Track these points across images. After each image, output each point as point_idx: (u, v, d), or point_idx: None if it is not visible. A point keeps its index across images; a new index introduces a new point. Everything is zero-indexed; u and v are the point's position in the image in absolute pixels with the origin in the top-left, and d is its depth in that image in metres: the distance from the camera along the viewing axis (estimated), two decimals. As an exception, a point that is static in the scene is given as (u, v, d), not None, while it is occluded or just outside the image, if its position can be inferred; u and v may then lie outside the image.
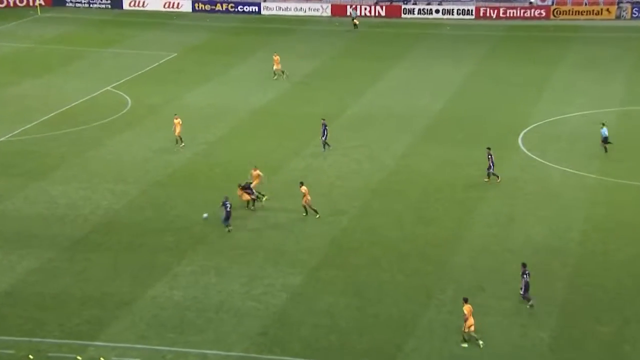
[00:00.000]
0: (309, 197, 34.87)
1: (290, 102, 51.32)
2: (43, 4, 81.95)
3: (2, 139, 43.61)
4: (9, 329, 27.01)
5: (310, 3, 78.83)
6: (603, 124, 41.51)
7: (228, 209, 33.42)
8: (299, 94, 53.28)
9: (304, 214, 34.99)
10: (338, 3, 79.41)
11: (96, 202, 35.96)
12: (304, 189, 35.13)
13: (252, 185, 35.80)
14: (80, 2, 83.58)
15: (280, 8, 79.15)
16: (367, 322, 27.74)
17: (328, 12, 77.52)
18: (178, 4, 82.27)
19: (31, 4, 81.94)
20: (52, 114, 47.71)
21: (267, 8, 79.80)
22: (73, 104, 49.34)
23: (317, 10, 77.61)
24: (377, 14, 77.17)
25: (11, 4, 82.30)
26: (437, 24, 71.02)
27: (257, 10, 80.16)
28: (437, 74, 56.30)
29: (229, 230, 33.34)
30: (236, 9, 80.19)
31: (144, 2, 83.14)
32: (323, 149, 42.15)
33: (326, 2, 79.33)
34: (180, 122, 42.90)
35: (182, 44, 67.26)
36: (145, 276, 30.13)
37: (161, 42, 67.96)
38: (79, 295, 28.95)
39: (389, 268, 31.00)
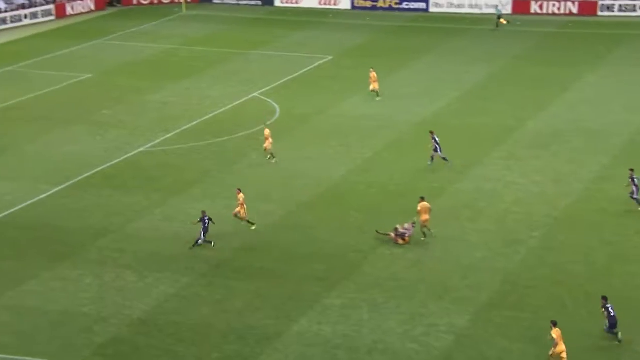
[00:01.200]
0: (426, 217, 34.42)
1: (460, 113, 50.72)
2: (189, 1, 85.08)
3: (141, 150, 45.41)
4: (142, 361, 27.86)
5: (487, -1, 77.79)
6: None
7: (206, 225, 33.97)
8: (470, 104, 52.57)
9: (423, 238, 34.68)
10: (520, -1, 77.95)
11: (238, 222, 36.70)
12: (423, 205, 34.64)
13: (236, 211, 35.47)
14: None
15: (451, 5, 78.59)
16: (547, 375, 26.82)
17: (508, 10, 76.27)
18: (335, 0, 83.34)
19: (176, 0, 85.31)
20: (195, 123, 49.25)
21: (436, 5, 79.43)
22: (217, 112, 50.78)
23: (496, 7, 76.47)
24: (567, 12, 75.24)
25: (155, 1, 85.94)
26: None
27: (424, 7, 79.95)
28: None
29: (212, 245, 34.01)
30: (400, 6, 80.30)
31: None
32: (430, 163, 41.86)
33: (506, -2, 78.07)
34: (270, 135, 43.20)
35: (339, 45, 67.98)
36: (291, 308, 30.38)
37: (315, 43, 68.96)
38: (218, 327, 29.46)
39: (575, 312, 29.87)
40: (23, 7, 77.32)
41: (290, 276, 32.55)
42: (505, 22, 71.40)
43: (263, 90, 55.59)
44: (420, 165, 42.80)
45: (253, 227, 36.00)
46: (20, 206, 38.30)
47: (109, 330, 29.08)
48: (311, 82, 57.72)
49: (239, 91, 54.91)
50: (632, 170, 37.43)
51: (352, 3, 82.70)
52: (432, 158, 42.19)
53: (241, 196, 35.94)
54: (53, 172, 42.17)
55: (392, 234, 34.80)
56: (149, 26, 76.21)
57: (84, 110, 51.88)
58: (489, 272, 32.53)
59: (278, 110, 51.88)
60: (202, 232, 34.33)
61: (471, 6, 77.93)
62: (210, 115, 50.35)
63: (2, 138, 46.93)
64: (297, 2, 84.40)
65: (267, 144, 43.07)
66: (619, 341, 28.04)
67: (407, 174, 41.79)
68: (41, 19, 77.27)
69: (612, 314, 28.10)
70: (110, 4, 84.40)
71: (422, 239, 34.86)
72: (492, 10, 75.14)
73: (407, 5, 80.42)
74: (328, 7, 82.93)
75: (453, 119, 49.65)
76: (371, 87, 52.73)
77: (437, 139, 42.24)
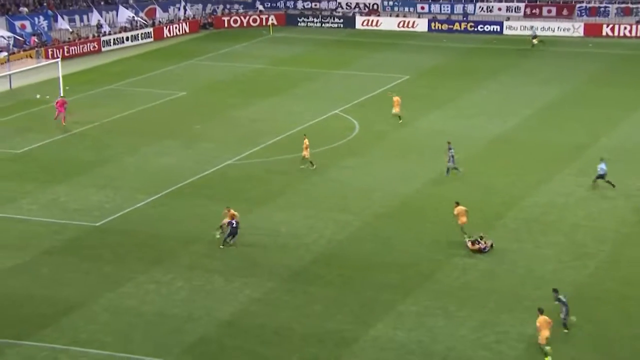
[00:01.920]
0: (464, 219, 34.65)
1: (533, 130, 49.89)
2: (276, 23, 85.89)
3: (229, 162, 45.79)
4: (227, 360, 27.94)
5: (560, 22, 76.65)
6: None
7: (234, 226, 34.55)
8: (543, 121, 51.68)
9: (465, 237, 34.39)
10: (592, 22, 76.58)
11: (318, 231, 36.62)
12: (459, 209, 34.66)
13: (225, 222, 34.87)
14: (313, 22, 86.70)
15: (524, 27, 77.57)
16: (615, 384, 26.02)
17: (580, 32, 74.94)
18: (413, 23, 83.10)
19: (264, 23, 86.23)
20: (280, 137, 49.46)
21: (510, 27, 78.52)
22: (300, 128, 50.96)
23: (568, 30, 75.33)
24: (638, 35, 73.56)
25: (245, 24, 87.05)
26: None
27: (498, 29, 79.11)
28: None
29: (232, 244, 34.53)
30: (476, 29, 79.62)
31: (377, 22, 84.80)
32: (447, 174, 41.88)
33: (579, 20, 76.78)
34: (308, 145, 43.22)
35: (416, 66, 67.63)
36: (367, 314, 30.13)
37: (393, 63, 68.76)
38: (299, 330, 29.33)
39: (642, 325, 29.00)
40: (125, 30, 79.11)
41: (367, 284, 32.30)
42: (536, 42, 70.41)
43: (344, 107, 55.58)
44: (493, 180, 42.20)
45: (217, 236, 35.21)
46: (119, 213, 38.94)
47: (198, 331, 29.24)
48: (389, 100, 57.56)
49: (321, 108, 54.99)
50: None
51: (429, 25, 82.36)
52: (448, 170, 42.13)
53: (231, 213, 35.21)
54: (149, 182, 42.79)
55: (471, 242, 34.35)
56: (239, 47, 77.05)
57: (178, 125, 52.60)
58: (558, 284, 31.75)
59: (357, 126, 51.78)
60: (230, 233, 34.62)
61: (543, 29, 76.76)
62: (294, 130, 50.51)
63: (105, 150, 47.86)
64: (377, 25, 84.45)
65: (306, 153, 43.48)
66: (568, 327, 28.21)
67: (480, 188, 41.22)
68: (141, 41, 78.91)
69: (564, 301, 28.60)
70: (204, 27, 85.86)
71: (465, 238, 34.44)
72: (564, 33, 73.93)
73: (482, 27, 79.72)
74: (406, 29, 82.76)
75: (526, 136, 48.86)
76: (393, 111, 51.77)
77: (452, 149, 42.17)
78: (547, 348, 27.09)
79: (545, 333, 27.15)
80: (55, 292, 31.82)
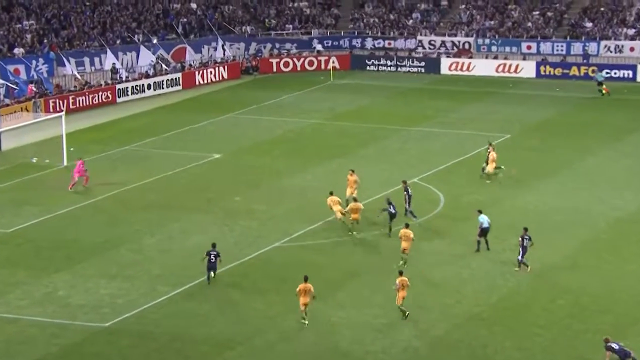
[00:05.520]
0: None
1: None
2: (338, 67, 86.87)
3: (275, 244, 45.68)
4: None
5: None
6: None
7: (212, 260, 40.41)
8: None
9: None
10: None
11: (391, 336, 36.23)
12: None
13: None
14: (385, 65, 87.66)
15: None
16: None
17: None
18: (517, 66, 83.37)
19: (323, 67, 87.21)
20: (317, 224, 49.30)
21: (645, 73, 78.30)
22: (368, 200, 50.79)
23: None
24: None
25: (298, 68, 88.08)
26: None
27: (631, 75, 78.87)
28: None
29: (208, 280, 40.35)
30: (600, 74, 79.38)
31: (469, 65, 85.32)
32: (414, 218, 46.49)
33: None
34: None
35: (520, 121, 67.62)
36: None
37: (489, 118, 68.82)
38: None
39: None
40: (147, 75, 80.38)
41: None
42: (606, 92, 70.39)
43: (424, 174, 55.51)
44: (623, 271, 41.56)
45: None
46: (134, 311, 39.00)
47: None
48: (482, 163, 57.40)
49: (395, 175, 54.86)
50: None
51: (538, 70, 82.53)
52: (408, 211, 46.63)
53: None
54: (173, 269, 42.97)
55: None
56: (290, 97, 77.93)
57: (211, 196, 52.97)
58: None
59: (442, 199, 51.61)
60: (207, 268, 40.49)
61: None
62: (359, 203, 50.39)
63: (116, 228, 48.32)
64: (468, 69, 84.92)
65: (356, 216, 45.68)
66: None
67: (606, 282, 40.58)
68: (166, 90, 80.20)
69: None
70: (246, 72, 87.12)
71: None
72: None
73: (607, 72, 79.34)
74: (508, 74, 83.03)
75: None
76: (487, 169, 52.99)
77: (409, 190, 46.48)
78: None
79: (402, 293, 37.12)
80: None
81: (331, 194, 47.69)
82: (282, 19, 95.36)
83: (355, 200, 47.44)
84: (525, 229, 42.31)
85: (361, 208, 46.60)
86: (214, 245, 41.52)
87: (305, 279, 37.56)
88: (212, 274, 40.91)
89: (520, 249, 41.97)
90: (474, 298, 39.56)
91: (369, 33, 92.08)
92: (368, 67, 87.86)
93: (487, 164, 54.18)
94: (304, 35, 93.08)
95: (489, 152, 54.50)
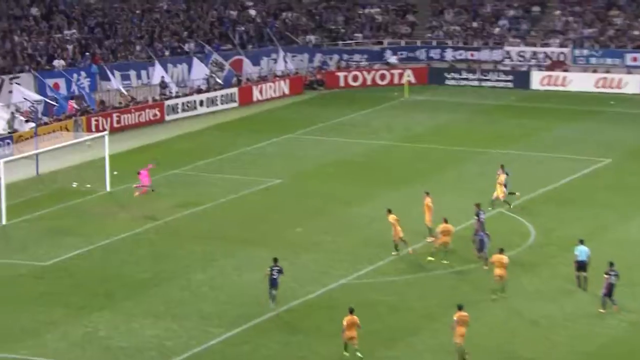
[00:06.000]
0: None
1: None
2: (414, 81, 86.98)
3: (342, 282, 45.94)
4: None
5: None
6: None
7: (274, 276, 41.78)
8: None
9: None
10: None
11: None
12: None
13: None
14: (467, 79, 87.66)
15: None
16: None
17: None
18: (620, 81, 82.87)
19: (397, 81, 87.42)
20: (414, 246, 49.59)
21: None
22: (420, 245, 50.59)
23: None
24: None
25: (368, 82, 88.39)
26: None
27: None
28: None
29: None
30: None
31: (564, 79, 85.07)
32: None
33: None
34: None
35: (622, 143, 67.34)
36: None
37: (587, 140, 68.63)
38: None
39: None
40: (199, 91, 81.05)
41: None
42: None
43: (510, 203, 55.39)
44: None
45: None
46: (184, 355, 39.38)
47: None
48: (580, 195, 57.12)
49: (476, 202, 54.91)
50: None
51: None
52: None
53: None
54: (226, 308, 43.23)
55: None
56: (359, 115, 78.23)
57: (270, 226, 53.38)
58: None
59: (533, 231, 51.51)
60: (269, 286, 42.21)
61: None
62: (450, 225, 50.39)
63: (163, 262, 48.80)
64: (563, 84, 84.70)
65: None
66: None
67: None
68: (220, 106, 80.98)
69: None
70: (310, 87, 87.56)
71: None
72: None
73: None
74: (608, 90, 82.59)
75: None
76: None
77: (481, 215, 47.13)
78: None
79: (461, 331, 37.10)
80: None
81: (389, 212, 48.18)
82: (351, 27, 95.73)
83: (445, 221, 47.74)
84: (611, 264, 42.15)
85: (453, 231, 47.01)
86: (275, 260, 42.72)
87: (351, 311, 37.91)
88: (274, 292, 42.24)
89: (605, 287, 41.79)
90: (569, 345, 39.40)
91: (449, 43, 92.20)
92: (447, 82, 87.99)
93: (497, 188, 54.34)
94: (376, 45, 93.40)
95: (499, 175, 54.54)
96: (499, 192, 54.30)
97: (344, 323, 37.84)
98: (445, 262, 47.03)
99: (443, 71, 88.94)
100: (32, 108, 71.85)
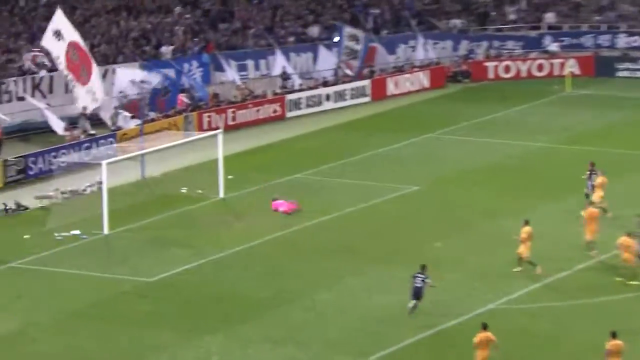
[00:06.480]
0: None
1: None
2: (578, 72, 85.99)
3: (490, 306, 46.00)
4: None
5: None
6: None
7: (418, 284, 43.13)
8: None
9: None
10: None
11: None
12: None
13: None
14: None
15: None
16: None
17: None
18: None
19: (557, 72, 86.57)
20: (576, 268, 49.31)
21: None
22: (608, 255, 50.29)
23: None
24: None
25: (522, 74, 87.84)
26: None
27: None
28: None
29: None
30: None
31: None
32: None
33: None
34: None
35: None
36: None
37: None
38: None
39: None
40: (325, 83, 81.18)
41: None
42: None
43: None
44: None
45: None
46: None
47: None
48: None
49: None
50: None
51: None
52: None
53: None
54: (355, 334, 43.51)
55: None
56: (510, 112, 78.02)
57: (405, 240, 53.63)
58: None
59: None
60: (411, 294, 43.48)
61: None
62: (606, 257, 50.15)
63: (283, 279, 49.27)
64: None
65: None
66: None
67: None
68: (350, 101, 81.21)
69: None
70: (454, 79, 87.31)
71: None
72: None
73: None
74: None
75: None
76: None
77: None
78: None
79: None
80: None
81: (527, 223, 48.54)
82: (502, 10, 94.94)
83: (629, 235, 47.75)
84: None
85: (632, 246, 47.01)
86: (423, 267, 44.00)
87: (484, 327, 37.92)
88: (415, 302, 43.30)
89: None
90: None
91: (621, 27, 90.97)
92: (619, 73, 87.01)
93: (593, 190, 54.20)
94: (532, 30, 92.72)
95: (593, 174, 54.96)
96: (596, 196, 54.10)
97: (475, 340, 37.88)
98: (634, 283, 46.76)
99: (613, 60, 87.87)
100: (141, 94, 72.19)
